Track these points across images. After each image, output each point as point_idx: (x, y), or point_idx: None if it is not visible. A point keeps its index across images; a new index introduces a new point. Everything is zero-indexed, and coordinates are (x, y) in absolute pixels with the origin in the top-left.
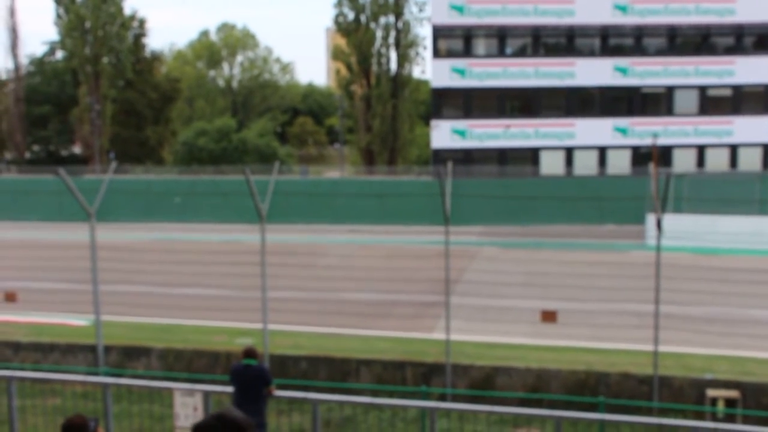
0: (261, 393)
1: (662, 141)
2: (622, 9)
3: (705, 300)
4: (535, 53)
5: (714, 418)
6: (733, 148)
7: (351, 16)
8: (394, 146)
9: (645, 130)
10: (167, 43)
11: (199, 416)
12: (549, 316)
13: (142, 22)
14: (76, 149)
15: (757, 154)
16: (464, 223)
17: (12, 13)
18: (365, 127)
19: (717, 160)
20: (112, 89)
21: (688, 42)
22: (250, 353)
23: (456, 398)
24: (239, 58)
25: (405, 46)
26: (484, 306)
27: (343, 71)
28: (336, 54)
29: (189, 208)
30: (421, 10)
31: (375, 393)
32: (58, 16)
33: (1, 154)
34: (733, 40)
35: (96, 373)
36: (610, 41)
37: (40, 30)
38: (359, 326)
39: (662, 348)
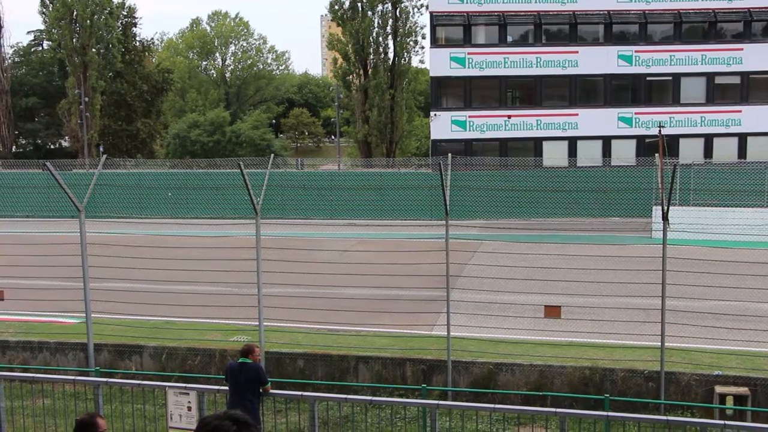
0: (256, 392)
1: (668, 131)
2: None
3: (713, 294)
4: (537, 41)
5: (723, 415)
6: (742, 138)
7: (347, 3)
8: (392, 138)
9: (650, 120)
10: (157, 32)
11: (193, 416)
12: (553, 312)
13: (131, 11)
14: (65, 142)
15: (766, 144)
16: (465, 216)
17: None
18: (363, 119)
19: (725, 150)
20: (101, 80)
21: (694, 28)
22: (246, 351)
23: (457, 396)
24: (232, 47)
25: (403, 34)
26: (486, 301)
27: (339, 61)
28: (332, 43)
29: (181, 202)
30: None
31: (374, 391)
32: (44, 4)
33: None
34: (741, 26)
35: (87, 373)
36: (615, 28)
37: (24, 19)
38: (357, 323)
39: (669, 343)
